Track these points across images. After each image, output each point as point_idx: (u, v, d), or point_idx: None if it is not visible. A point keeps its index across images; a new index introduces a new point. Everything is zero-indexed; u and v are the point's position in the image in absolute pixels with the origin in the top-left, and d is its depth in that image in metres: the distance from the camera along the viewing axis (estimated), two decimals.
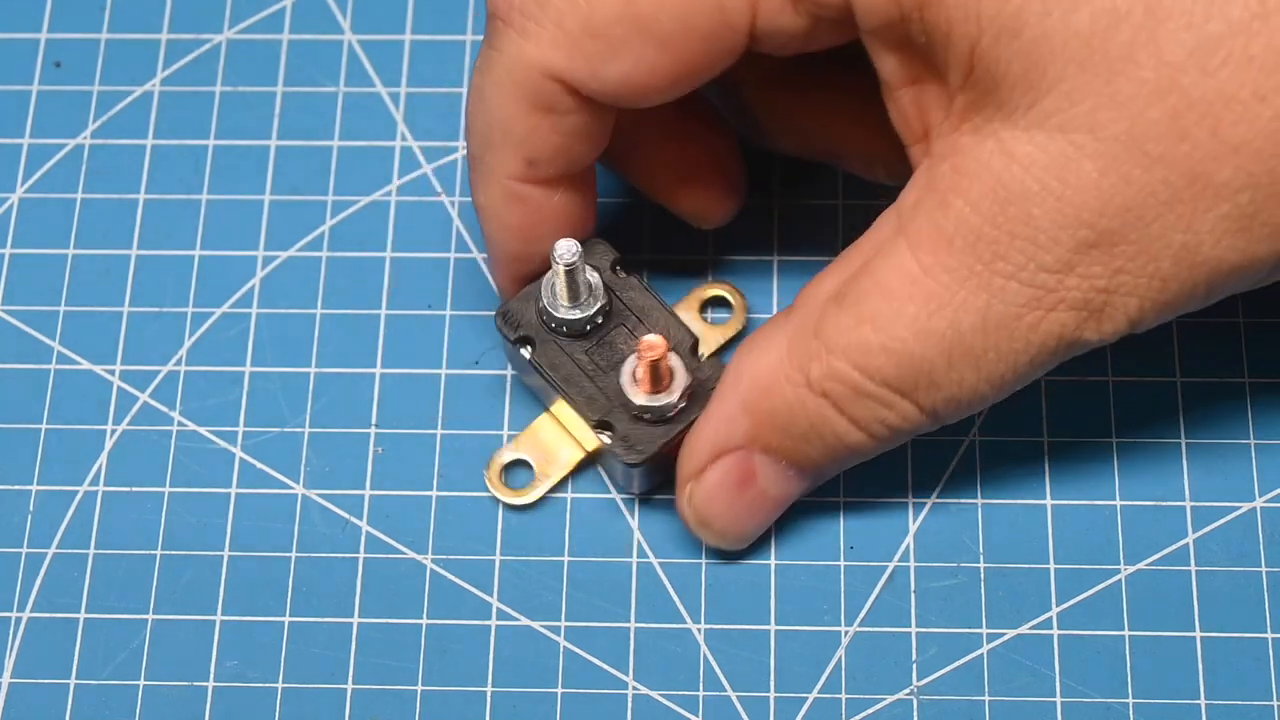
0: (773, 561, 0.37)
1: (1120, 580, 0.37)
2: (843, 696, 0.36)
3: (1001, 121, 0.30)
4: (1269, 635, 0.36)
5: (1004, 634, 0.36)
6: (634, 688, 0.36)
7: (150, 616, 0.37)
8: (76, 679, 0.36)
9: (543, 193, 0.34)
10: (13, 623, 0.37)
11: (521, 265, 0.36)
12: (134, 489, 0.38)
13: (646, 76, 0.32)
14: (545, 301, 0.35)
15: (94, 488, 0.38)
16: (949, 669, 0.36)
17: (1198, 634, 0.36)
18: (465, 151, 0.40)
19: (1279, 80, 0.28)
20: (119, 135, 0.42)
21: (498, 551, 0.37)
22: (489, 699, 0.36)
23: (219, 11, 0.43)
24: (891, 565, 0.37)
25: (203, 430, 0.38)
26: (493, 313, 0.37)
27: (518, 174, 0.34)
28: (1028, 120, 0.29)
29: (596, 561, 0.37)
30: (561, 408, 0.36)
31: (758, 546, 0.37)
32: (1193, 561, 0.37)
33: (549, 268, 0.35)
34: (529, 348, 0.36)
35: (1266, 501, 0.37)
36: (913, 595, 0.37)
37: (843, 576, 0.37)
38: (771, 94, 0.37)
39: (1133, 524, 0.37)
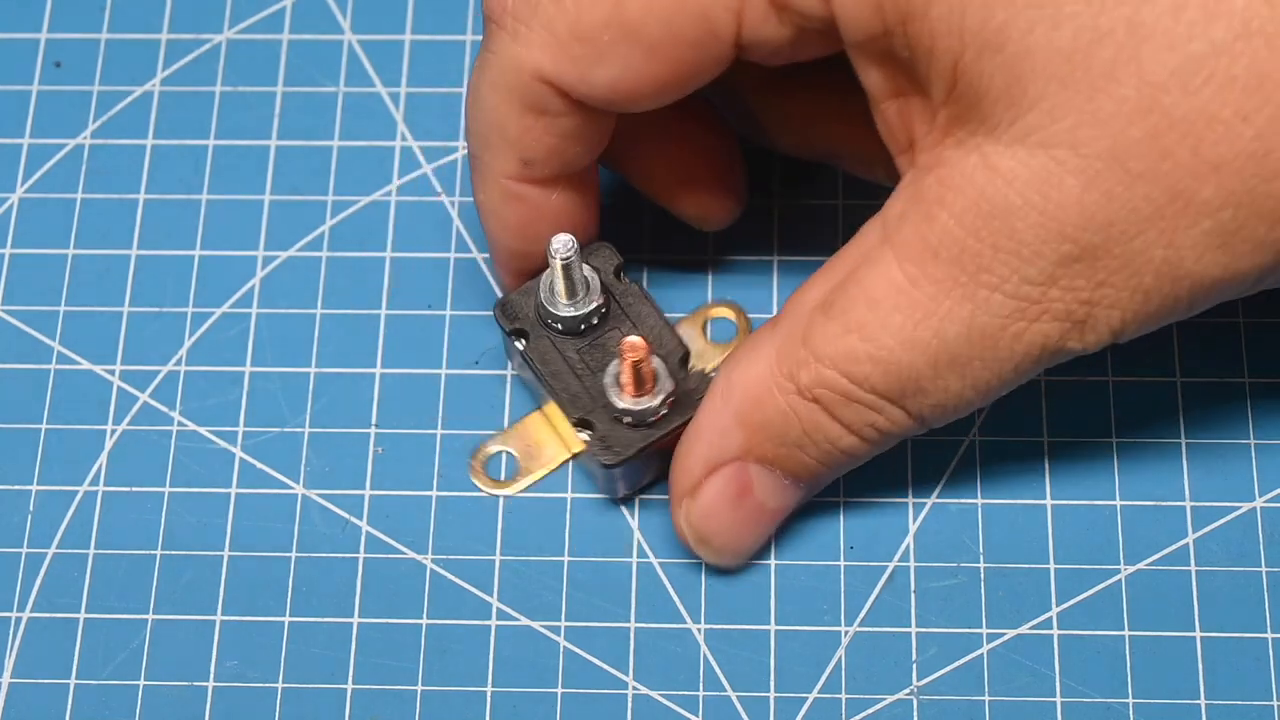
0: (773, 561, 0.37)
1: (1120, 580, 0.37)
2: (843, 696, 0.36)
3: (985, 136, 0.30)
4: (1269, 635, 0.36)
5: (1004, 634, 0.36)
6: (634, 688, 0.36)
7: (150, 616, 0.37)
8: (76, 679, 0.36)
9: (540, 192, 0.35)
10: (13, 623, 0.37)
11: (522, 262, 0.36)
12: (134, 489, 0.38)
13: (634, 82, 0.32)
14: (543, 296, 0.35)
15: (94, 488, 0.38)
16: (949, 669, 0.36)
17: (1198, 634, 0.36)
18: (465, 151, 0.40)
19: (1261, 100, 0.28)
20: (119, 135, 0.42)
21: (498, 551, 0.37)
22: (489, 699, 0.36)
23: (219, 11, 0.43)
24: (891, 565, 0.37)
25: (203, 430, 0.38)
26: (492, 313, 0.37)
27: (514, 174, 0.34)
28: (1010, 135, 0.29)
29: (596, 561, 0.37)
30: (553, 407, 0.36)
31: None
32: (1193, 561, 0.37)
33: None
34: (523, 340, 0.36)
35: (1266, 501, 0.37)
36: (913, 595, 0.37)
37: (843, 576, 0.37)
38: (771, 96, 0.37)
39: (1133, 524, 0.37)
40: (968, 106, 0.30)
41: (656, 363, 0.35)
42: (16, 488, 0.38)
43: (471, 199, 0.36)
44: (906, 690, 0.36)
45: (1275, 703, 0.35)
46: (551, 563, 0.37)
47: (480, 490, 0.38)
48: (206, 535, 0.37)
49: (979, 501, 0.37)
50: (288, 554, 0.37)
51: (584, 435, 0.35)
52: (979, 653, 0.36)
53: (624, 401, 0.35)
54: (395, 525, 0.37)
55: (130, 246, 0.40)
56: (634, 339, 0.34)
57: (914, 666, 0.36)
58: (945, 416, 0.33)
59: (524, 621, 0.37)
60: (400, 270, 0.40)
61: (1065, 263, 0.30)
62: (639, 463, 0.35)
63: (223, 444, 0.38)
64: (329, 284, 0.40)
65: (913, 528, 0.37)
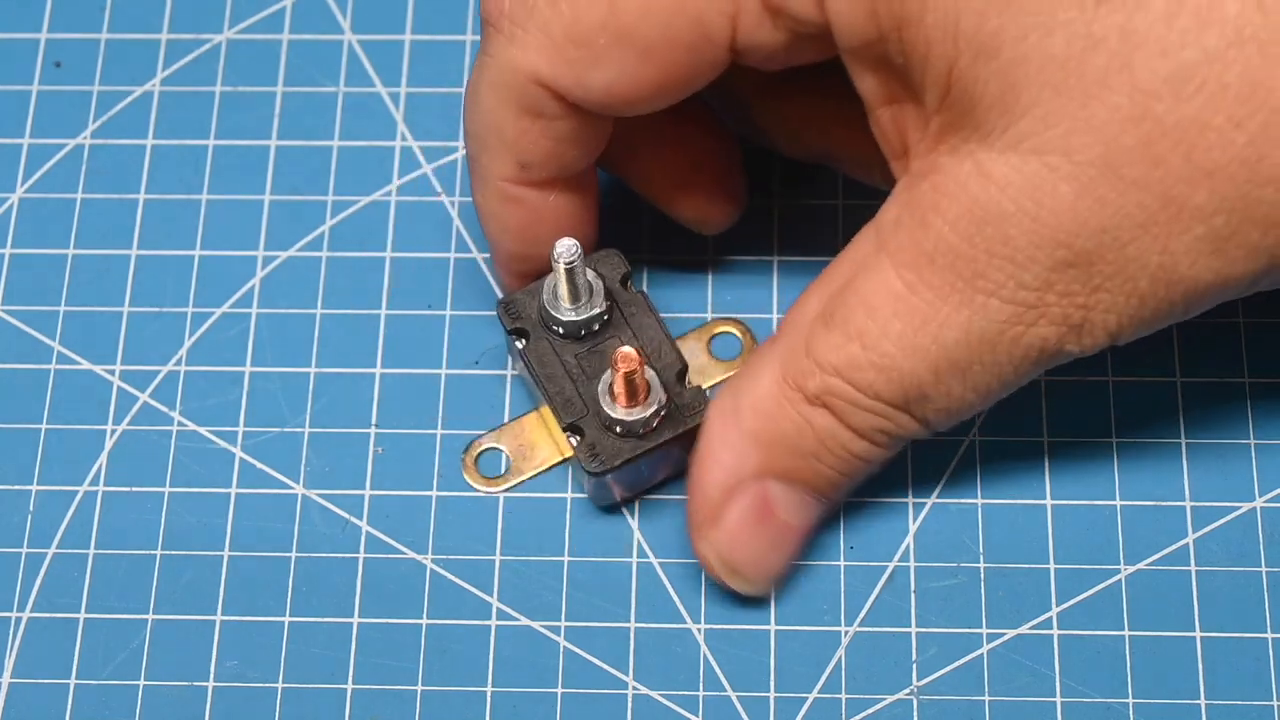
0: None
1: (1120, 580, 0.37)
2: (843, 696, 0.36)
3: (978, 143, 0.30)
4: (1269, 635, 0.36)
5: (1004, 634, 0.36)
6: (634, 688, 0.36)
7: (150, 616, 0.37)
8: (76, 679, 0.36)
9: (538, 195, 0.35)
10: (13, 623, 0.37)
11: (522, 264, 0.36)
12: (134, 489, 0.38)
13: (630, 86, 0.32)
14: (546, 299, 0.35)
15: (94, 488, 0.38)
16: (949, 669, 0.36)
17: (1198, 634, 0.36)
18: (465, 151, 0.40)
19: (1253, 107, 0.28)
20: (119, 135, 0.42)
21: (498, 551, 0.37)
22: (489, 699, 0.36)
23: (219, 11, 0.43)
24: (891, 565, 0.37)
25: (203, 430, 0.38)
26: (493, 313, 0.37)
27: (511, 176, 0.34)
28: (1003, 142, 0.29)
29: (596, 561, 0.37)
30: (549, 409, 0.36)
31: None
32: (1193, 561, 0.37)
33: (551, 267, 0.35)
34: (523, 340, 0.36)
35: (1266, 501, 0.37)
36: (913, 595, 0.37)
37: (843, 576, 0.37)
38: (768, 100, 0.37)
39: (1133, 524, 0.37)
40: (961, 113, 0.30)
41: (651, 375, 0.35)
42: (16, 488, 0.38)
43: (471, 199, 0.36)
44: (906, 690, 0.36)
45: (1275, 703, 0.35)
46: (551, 563, 0.37)
47: (472, 488, 0.38)
48: (206, 535, 0.37)
49: (979, 501, 0.37)
50: (288, 554, 0.37)
51: (572, 440, 0.35)
52: (979, 653, 0.36)
53: (616, 411, 0.35)
54: (395, 525, 0.37)
55: (130, 246, 0.40)
56: (627, 349, 0.34)
57: (914, 666, 0.36)
58: (949, 420, 0.33)
59: (524, 621, 0.37)
60: (400, 270, 0.40)
61: (1060, 268, 0.30)
62: (627, 474, 0.35)
63: (223, 444, 0.38)
64: (329, 284, 0.40)
65: (913, 528, 0.37)
